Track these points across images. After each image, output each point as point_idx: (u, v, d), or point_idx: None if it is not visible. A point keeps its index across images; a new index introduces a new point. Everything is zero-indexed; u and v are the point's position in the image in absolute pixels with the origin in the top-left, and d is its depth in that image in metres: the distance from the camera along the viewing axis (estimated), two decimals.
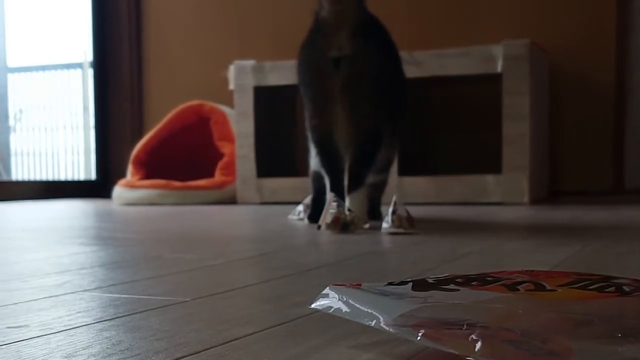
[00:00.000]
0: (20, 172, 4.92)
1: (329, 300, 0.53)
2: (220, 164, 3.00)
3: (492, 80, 2.56)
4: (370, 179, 1.64)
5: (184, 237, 1.44)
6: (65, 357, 0.49)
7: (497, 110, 2.54)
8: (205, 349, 0.51)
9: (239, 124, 2.89)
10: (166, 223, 1.85)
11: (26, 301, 0.71)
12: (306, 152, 1.84)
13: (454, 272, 0.76)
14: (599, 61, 2.81)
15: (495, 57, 2.51)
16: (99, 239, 1.39)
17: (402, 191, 2.50)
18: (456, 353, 0.42)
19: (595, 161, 2.80)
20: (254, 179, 2.86)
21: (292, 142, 3.10)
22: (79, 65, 4.67)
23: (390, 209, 1.44)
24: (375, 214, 1.70)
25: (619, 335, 0.42)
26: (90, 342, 0.54)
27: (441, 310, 0.48)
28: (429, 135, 3.01)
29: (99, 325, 0.59)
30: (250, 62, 2.88)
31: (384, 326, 0.47)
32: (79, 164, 4.81)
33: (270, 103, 2.96)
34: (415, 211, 1.62)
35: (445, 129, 2.98)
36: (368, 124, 1.58)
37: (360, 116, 1.57)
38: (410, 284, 0.54)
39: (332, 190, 1.58)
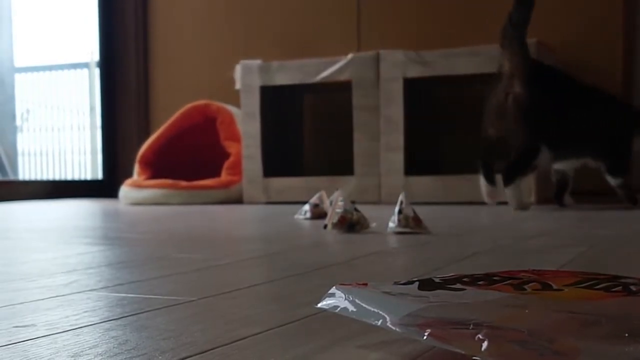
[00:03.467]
0: (27, 172, 4.93)
1: (336, 300, 0.52)
2: (226, 164, 3.01)
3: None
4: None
5: (190, 237, 1.44)
6: (72, 357, 0.49)
7: None
8: (212, 349, 0.51)
9: (246, 123, 2.89)
10: (172, 223, 1.85)
11: (33, 301, 0.71)
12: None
13: (460, 271, 0.76)
14: (606, 60, 2.80)
15: None
16: (106, 239, 1.40)
17: (408, 191, 2.49)
18: (463, 353, 0.42)
19: None
20: (260, 179, 2.86)
21: (298, 142, 3.09)
22: (86, 65, 4.68)
23: (397, 209, 1.44)
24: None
25: (626, 335, 0.41)
26: (96, 342, 0.54)
27: (448, 309, 0.47)
28: (436, 134, 3.00)
29: (106, 325, 0.59)
30: (256, 62, 2.88)
31: (390, 326, 0.47)
32: (86, 163, 4.82)
33: (276, 103, 2.96)
34: (422, 211, 1.62)
35: (452, 129, 2.98)
36: (521, 142, 2.18)
37: (516, 135, 2.19)
38: (417, 283, 0.54)
39: (483, 172, 2.26)
